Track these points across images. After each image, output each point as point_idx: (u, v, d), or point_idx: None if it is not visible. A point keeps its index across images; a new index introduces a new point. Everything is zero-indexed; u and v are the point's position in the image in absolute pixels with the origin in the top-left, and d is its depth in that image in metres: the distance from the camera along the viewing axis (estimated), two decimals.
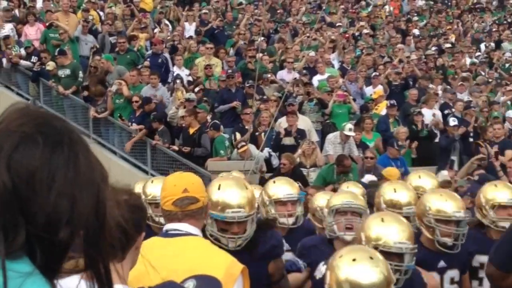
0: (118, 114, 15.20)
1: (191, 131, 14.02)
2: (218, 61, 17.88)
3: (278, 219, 5.71)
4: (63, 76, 16.32)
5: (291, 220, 5.76)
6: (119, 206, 2.87)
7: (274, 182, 6.04)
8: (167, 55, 17.69)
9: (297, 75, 17.37)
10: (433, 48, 22.86)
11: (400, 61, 20.09)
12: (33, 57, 17.04)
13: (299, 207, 5.84)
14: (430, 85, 18.66)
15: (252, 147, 13.50)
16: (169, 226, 3.74)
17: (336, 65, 19.49)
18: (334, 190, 12.30)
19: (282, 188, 5.88)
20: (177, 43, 18.79)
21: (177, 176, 3.96)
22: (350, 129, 14.37)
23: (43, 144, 1.42)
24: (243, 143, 13.57)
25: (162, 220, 5.55)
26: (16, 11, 19.12)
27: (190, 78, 17.01)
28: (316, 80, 17.60)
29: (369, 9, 26.14)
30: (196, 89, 15.79)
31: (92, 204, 1.46)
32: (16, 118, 1.45)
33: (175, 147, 14.27)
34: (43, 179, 1.39)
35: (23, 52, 17.36)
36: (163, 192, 3.80)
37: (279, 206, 5.80)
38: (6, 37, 17.37)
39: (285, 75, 17.83)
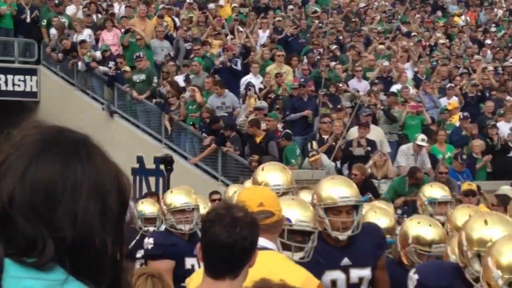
0: (191, 122, 15.32)
1: (258, 139, 14.01)
2: (289, 69, 17.85)
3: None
4: (137, 81, 16.57)
5: None
6: (237, 224, 2.89)
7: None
8: (239, 62, 17.75)
9: (368, 85, 17.23)
10: (511, 60, 22.36)
11: (474, 71, 19.75)
12: (110, 62, 17.34)
13: None
14: (507, 97, 18.27)
15: (324, 157, 13.43)
16: None
17: (410, 75, 19.24)
18: (406, 203, 12.22)
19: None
20: (251, 50, 18.85)
21: (252, 190, 3.97)
22: (422, 140, 14.18)
23: (59, 154, 1.41)
24: (315, 153, 13.50)
25: (182, 226, 6.19)
26: (94, 17, 19.49)
27: (262, 86, 17.03)
28: (394, 89, 17.42)
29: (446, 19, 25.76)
30: (272, 96, 15.79)
31: (117, 208, 1.45)
32: (30, 132, 1.45)
33: (246, 161, 14.23)
34: (62, 189, 1.38)
35: (98, 54, 17.67)
36: None
37: None
38: (83, 41, 17.73)
39: (356, 84, 17.71)
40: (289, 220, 4.29)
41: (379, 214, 5.83)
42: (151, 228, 8.05)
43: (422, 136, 14.35)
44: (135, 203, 8.74)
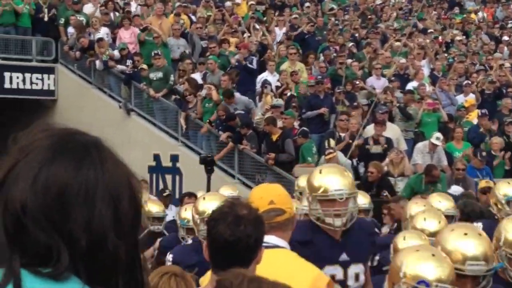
0: (207, 120, 15.34)
1: (274, 137, 14.01)
2: (302, 66, 17.80)
3: None
4: (154, 79, 16.62)
5: None
6: (240, 222, 2.91)
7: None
8: (255, 60, 17.72)
9: (386, 82, 17.18)
10: None
11: (491, 68, 19.65)
12: (128, 60, 17.40)
13: None
14: None
15: (340, 155, 13.41)
16: None
17: (427, 72, 19.17)
18: None
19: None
20: (267, 48, 18.84)
21: (263, 188, 3.97)
22: (437, 138, 14.11)
23: (70, 159, 1.38)
24: (331, 150, 13.49)
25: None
26: (111, 15, 19.57)
27: (278, 84, 17.02)
28: (410, 86, 17.36)
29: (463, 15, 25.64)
30: (288, 94, 15.78)
31: (130, 212, 1.42)
32: (39, 136, 1.42)
33: (262, 159, 14.22)
34: (74, 194, 1.35)
35: (116, 53, 17.75)
36: None
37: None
38: (100, 40, 17.81)
39: (374, 82, 17.66)
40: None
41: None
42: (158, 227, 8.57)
43: (438, 134, 14.29)
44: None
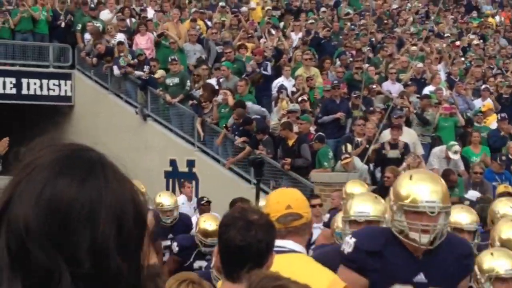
0: (224, 125, 15.35)
1: (290, 142, 13.99)
2: (317, 71, 17.77)
3: None
4: (171, 84, 16.66)
5: None
6: (251, 227, 2.91)
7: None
8: (269, 66, 17.69)
9: (401, 87, 17.13)
10: None
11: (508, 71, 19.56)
12: (145, 66, 17.46)
13: None
14: None
15: (356, 160, 13.38)
16: None
17: (443, 76, 19.10)
18: None
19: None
20: (283, 53, 18.83)
21: (280, 193, 3.96)
22: (455, 152, 13.98)
23: (73, 177, 1.33)
24: (347, 155, 13.46)
25: None
26: (127, 21, 19.65)
27: (294, 89, 17.01)
28: (427, 91, 17.30)
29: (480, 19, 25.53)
30: (300, 99, 15.74)
31: (134, 230, 1.38)
32: (41, 153, 1.37)
33: (278, 164, 14.17)
34: (77, 213, 1.30)
35: (131, 58, 17.81)
36: (267, 209, 3.77)
37: None
38: (120, 43, 17.88)
39: (390, 86, 17.61)
40: None
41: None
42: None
43: (456, 148, 14.09)
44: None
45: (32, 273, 1.28)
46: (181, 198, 13.11)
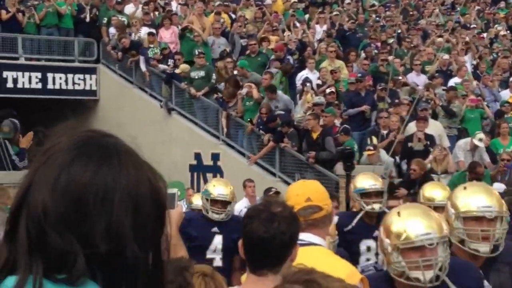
0: (248, 119, 15.32)
1: (314, 135, 13.92)
2: (342, 64, 17.67)
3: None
4: (196, 77, 16.65)
5: None
6: (274, 219, 2.89)
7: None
8: (291, 59, 17.60)
9: (426, 78, 16.99)
10: None
11: None
12: (169, 60, 17.46)
13: None
14: None
15: (382, 152, 13.29)
16: None
17: (469, 68, 18.91)
18: None
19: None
20: (307, 46, 18.75)
21: (300, 185, 3.93)
22: (480, 140, 13.86)
23: (88, 162, 1.36)
24: (371, 147, 13.38)
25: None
26: (152, 15, 19.68)
27: (319, 82, 16.92)
28: (452, 82, 17.14)
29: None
30: (328, 91, 15.63)
31: (152, 218, 1.39)
32: (60, 139, 1.41)
33: (303, 157, 14.07)
34: (92, 198, 1.33)
35: (157, 51, 17.84)
36: (287, 202, 3.75)
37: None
38: (151, 34, 17.91)
39: (414, 78, 17.48)
40: None
41: None
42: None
43: (480, 135, 14.01)
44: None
45: (49, 255, 1.31)
46: (243, 203, 11.72)
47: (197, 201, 8.54)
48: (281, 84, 16.13)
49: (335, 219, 5.83)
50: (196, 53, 16.87)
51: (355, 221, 6.83)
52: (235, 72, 16.55)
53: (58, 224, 1.31)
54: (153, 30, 18.31)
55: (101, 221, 1.32)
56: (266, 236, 2.86)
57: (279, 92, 15.41)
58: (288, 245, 2.90)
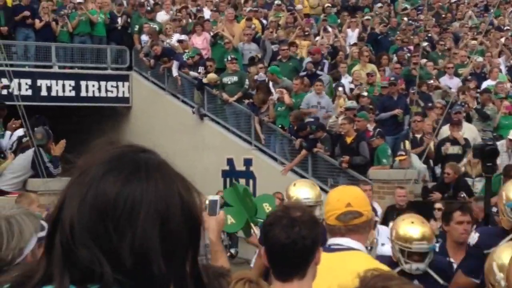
0: (280, 125, 15.32)
1: (348, 140, 13.86)
2: (374, 67, 17.58)
3: None
4: (229, 83, 16.68)
5: None
6: (295, 224, 2.88)
7: None
8: (326, 65, 17.58)
9: (459, 81, 16.84)
10: None
11: None
12: (199, 67, 17.50)
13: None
14: None
15: (414, 157, 13.20)
16: (331, 240, 3.68)
17: (504, 70, 18.72)
18: None
19: None
20: (339, 50, 18.69)
21: (340, 191, 3.91)
22: None
23: (118, 176, 1.36)
24: (403, 153, 13.30)
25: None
26: (184, 22, 19.76)
27: (352, 86, 16.87)
28: (486, 85, 16.99)
29: None
30: (364, 94, 15.57)
31: (183, 232, 1.38)
32: (95, 155, 1.41)
33: (336, 162, 14.01)
34: (119, 211, 1.33)
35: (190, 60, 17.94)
36: (327, 207, 3.75)
37: None
38: (181, 41, 18.00)
39: (447, 81, 17.34)
40: None
41: None
42: None
43: None
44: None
45: (77, 269, 1.33)
46: None
47: None
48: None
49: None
50: (229, 58, 16.90)
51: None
52: (268, 76, 16.56)
53: (83, 237, 1.32)
54: (184, 37, 18.36)
55: (127, 235, 1.32)
56: (288, 242, 2.85)
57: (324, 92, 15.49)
58: (311, 249, 2.88)
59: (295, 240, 2.85)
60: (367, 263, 3.57)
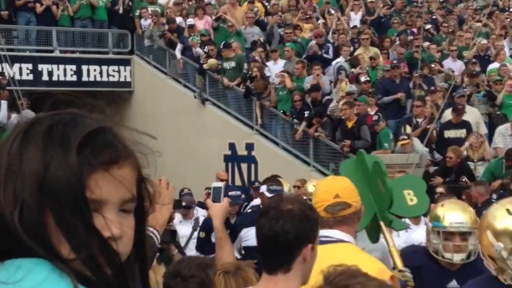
0: (281, 111, 15.26)
1: (349, 124, 13.79)
2: (377, 51, 17.44)
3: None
4: (228, 68, 16.60)
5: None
6: (280, 217, 2.82)
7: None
8: (331, 48, 17.47)
9: (463, 64, 16.72)
10: None
11: None
12: (206, 46, 17.33)
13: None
14: None
15: (416, 141, 13.12)
16: (320, 233, 3.62)
17: (508, 52, 18.57)
18: (503, 186, 11.75)
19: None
20: (341, 33, 18.55)
21: (328, 181, 3.86)
22: None
23: (13, 135, 1.35)
24: (405, 137, 13.23)
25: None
26: (185, 5, 19.67)
27: (353, 70, 16.75)
28: (491, 67, 16.87)
29: None
30: (363, 79, 15.47)
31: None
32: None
33: (337, 147, 13.98)
34: (4, 166, 1.30)
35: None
36: (315, 198, 3.70)
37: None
38: (191, 26, 17.90)
39: (451, 64, 17.22)
40: None
41: None
42: None
43: None
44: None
45: None
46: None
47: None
48: None
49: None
50: (222, 46, 16.78)
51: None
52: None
53: None
54: (192, 21, 18.20)
55: (10, 188, 1.28)
56: (270, 234, 2.80)
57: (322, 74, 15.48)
58: (293, 245, 2.80)
59: (277, 233, 2.79)
60: (356, 255, 3.53)
